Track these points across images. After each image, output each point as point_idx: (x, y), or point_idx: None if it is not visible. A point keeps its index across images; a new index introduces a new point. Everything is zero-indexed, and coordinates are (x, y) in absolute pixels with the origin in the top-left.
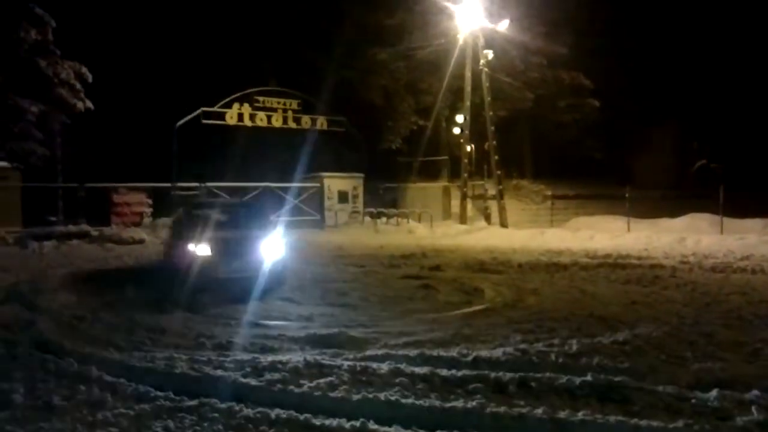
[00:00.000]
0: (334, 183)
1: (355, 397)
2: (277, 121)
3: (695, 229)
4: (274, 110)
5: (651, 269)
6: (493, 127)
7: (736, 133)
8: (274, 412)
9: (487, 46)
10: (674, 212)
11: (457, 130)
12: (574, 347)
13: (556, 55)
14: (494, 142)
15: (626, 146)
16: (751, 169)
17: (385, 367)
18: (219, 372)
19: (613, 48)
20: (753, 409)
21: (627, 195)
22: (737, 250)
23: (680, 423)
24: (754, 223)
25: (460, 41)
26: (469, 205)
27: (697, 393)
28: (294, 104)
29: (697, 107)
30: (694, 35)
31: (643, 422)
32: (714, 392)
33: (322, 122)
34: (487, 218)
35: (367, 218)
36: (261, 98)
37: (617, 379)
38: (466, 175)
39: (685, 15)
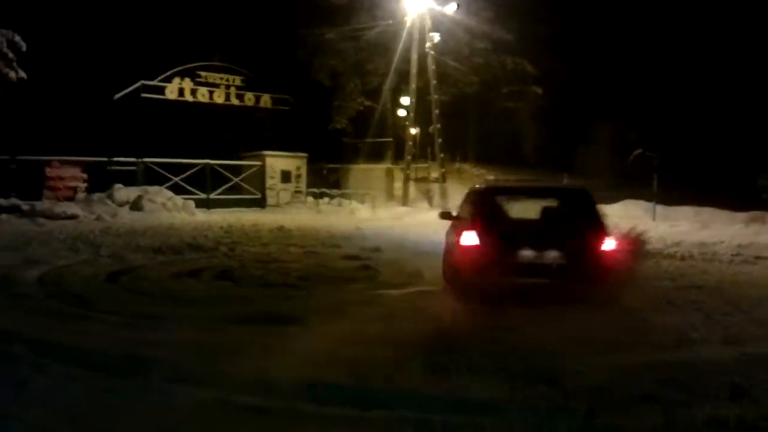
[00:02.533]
0: (277, 162)
1: None
2: (219, 98)
3: (630, 215)
4: (217, 86)
5: None
6: (437, 111)
7: (672, 125)
8: None
9: (434, 29)
10: (612, 199)
11: (402, 113)
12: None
13: (501, 41)
14: (438, 126)
15: (567, 135)
16: (685, 160)
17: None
18: None
19: (557, 38)
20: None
21: (565, 182)
22: (668, 237)
23: None
24: (685, 211)
25: (408, 23)
26: (412, 188)
27: None
28: (238, 80)
29: (636, 99)
30: (634, 28)
31: None
32: None
33: (266, 100)
34: (430, 201)
35: (310, 198)
36: (203, 73)
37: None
38: (409, 157)
39: (624, 8)
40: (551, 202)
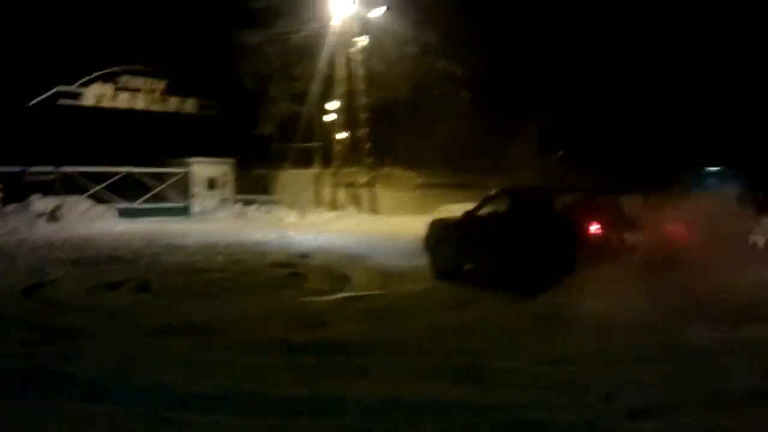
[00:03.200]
0: (203, 169)
1: None
2: (142, 103)
3: None
4: (140, 91)
5: None
6: (366, 115)
7: (596, 125)
8: None
9: (362, 32)
10: None
11: (330, 117)
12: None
13: (429, 43)
14: (367, 130)
15: (495, 137)
16: (611, 159)
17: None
18: None
19: (485, 40)
20: None
21: (493, 183)
22: None
23: None
24: None
25: (335, 26)
26: (341, 193)
27: None
28: (161, 85)
29: (561, 99)
30: (558, 31)
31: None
32: None
33: (191, 105)
34: (359, 205)
35: (238, 205)
36: (125, 78)
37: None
38: (338, 162)
39: (548, 8)
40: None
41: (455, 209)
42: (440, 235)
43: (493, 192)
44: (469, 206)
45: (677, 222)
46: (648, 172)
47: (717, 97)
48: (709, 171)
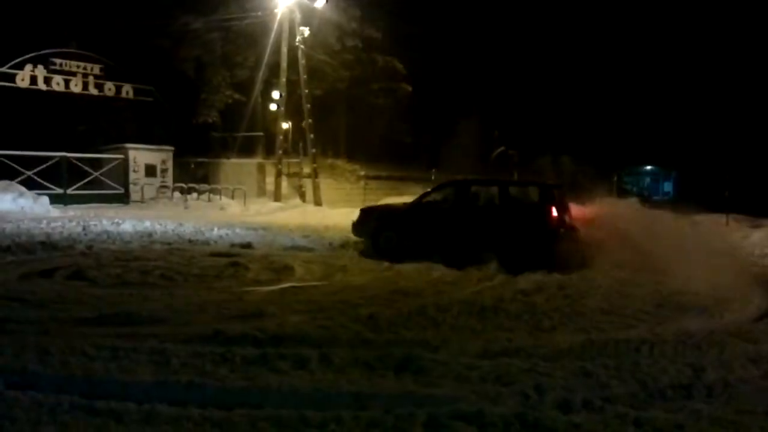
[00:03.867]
0: (141, 155)
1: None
2: (76, 87)
3: None
4: (74, 74)
5: None
6: (309, 105)
7: (531, 123)
8: None
9: (304, 23)
10: None
11: (273, 107)
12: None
13: (370, 38)
14: (310, 120)
15: (435, 132)
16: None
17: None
18: None
19: (424, 37)
20: None
21: (433, 177)
22: None
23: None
24: None
25: (278, 16)
26: (284, 183)
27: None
28: (96, 69)
29: (498, 99)
30: (498, 29)
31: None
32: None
33: (127, 90)
34: (302, 196)
35: (177, 194)
36: (58, 60)
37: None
38: (281, 152)
39: (489, 9)
40: None
41: (398, 201)
42: (384, 222)
43: (445, 182)
44: (409, 198)
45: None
46: (585, 171)
47: (656, 99)
48: (644, 170)
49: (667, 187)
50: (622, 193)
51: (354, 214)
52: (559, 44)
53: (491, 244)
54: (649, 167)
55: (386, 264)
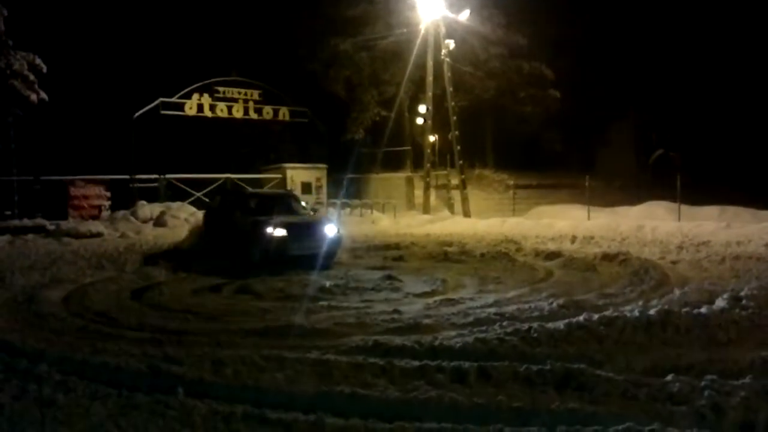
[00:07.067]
0: (298, 174)
1: None
2: (238, 112)
3: (653, 216)
4: (235, 101)
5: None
6: (455, 117)
7: (694, 124)
8: None
9: (449, 36)
10: (633, 201)
11: (419, 121)
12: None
13: (516, 45)
14: (457, 132)
15: (587, 137)
16: (708, 159)
17: None
18: None
19: (573, 40)
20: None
21: (587, 184)
22: (693, 237)
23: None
24: (710, 211)
25: (422, 31)
26: (433, 195)
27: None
28: (255, 95)
29: (656, 99)
30: (652, 27)
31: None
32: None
33: (284, 113)
34: (451, 208)
35: (331, 209)
36: (221, 88)
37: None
38: (428, 165)
39: (641, 7)
40: None
41: (548, 211)
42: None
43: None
44: (561, 208)
45: None
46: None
47: None
48: None
49: None
50: None
51: (506, 224)
52: (727, 35)
53: None
54: None
55: (539, 274)
